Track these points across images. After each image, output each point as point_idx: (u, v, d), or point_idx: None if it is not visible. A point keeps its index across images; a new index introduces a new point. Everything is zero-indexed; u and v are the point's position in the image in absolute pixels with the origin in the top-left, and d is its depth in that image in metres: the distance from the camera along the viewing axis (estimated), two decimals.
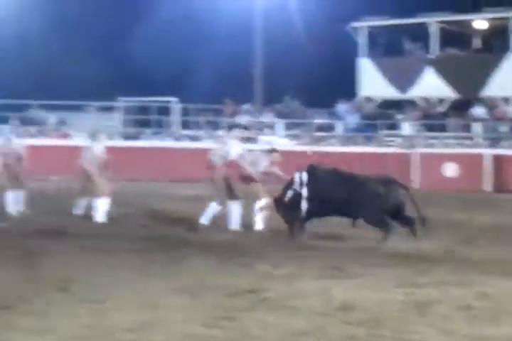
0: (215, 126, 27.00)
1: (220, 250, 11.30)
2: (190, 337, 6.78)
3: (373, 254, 11.15)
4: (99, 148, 15.31)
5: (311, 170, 12.68)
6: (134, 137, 26.13)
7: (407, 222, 12.32)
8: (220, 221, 14.35)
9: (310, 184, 12.50)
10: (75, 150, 20.05)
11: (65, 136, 25.73)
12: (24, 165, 15.46)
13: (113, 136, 25.57)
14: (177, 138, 25.89)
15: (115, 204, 15.91)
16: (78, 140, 25.03)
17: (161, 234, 12.87)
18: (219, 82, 35.51)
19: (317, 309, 7.82)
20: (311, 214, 12.50)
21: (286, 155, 14.43)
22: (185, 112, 26.69)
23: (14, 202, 14.84)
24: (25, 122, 26.48)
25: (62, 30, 39.17)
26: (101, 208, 14.27)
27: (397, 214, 12.33)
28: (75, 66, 38.29)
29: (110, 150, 20.98)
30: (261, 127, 26.60)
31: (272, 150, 13.90)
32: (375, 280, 9.32)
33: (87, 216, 14.36)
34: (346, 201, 12.29)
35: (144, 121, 27.44)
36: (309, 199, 12.45)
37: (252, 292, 8.59)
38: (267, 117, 26.90)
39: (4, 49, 37.98)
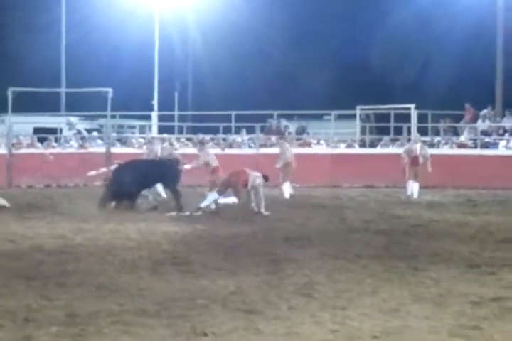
0: (454, 131, 26.52)
1: (460, 258, 11.05)
2: None
3: None
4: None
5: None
6: (372, 144, 26.16)
7: None
8: (456, 228, 14.21)
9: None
10: (315, 158, 20.50)
11: (307, 144, 26.17)
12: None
13: (352, 144, 25.78)
14: None
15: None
16: (318, 148, 25.45)
17: (398, 240, 12.78)
18: (457, 87, 34.82)
19: None
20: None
21: None
22: (423, 118, 26.32)
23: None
24: (267, 132, 27.21)
25: (298, 42, 40.01)
26: None
27: None
28: (313, 76, 39.00)
29: (348, 157, 21.31)
30: (502, 132, 25.79)
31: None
32: None
33: None
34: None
35: (382, 128, 27.44)
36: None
37: (498, 300, 8.35)
38: (509, 121, 26.05)
39: (245, 62, 39.30)
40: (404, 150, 21.08)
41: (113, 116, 26.49)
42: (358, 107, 27.53)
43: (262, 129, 27.02)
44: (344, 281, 9.42)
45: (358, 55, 38.30)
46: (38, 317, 7.63)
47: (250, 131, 26.57)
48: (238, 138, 26.54)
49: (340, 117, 28.00)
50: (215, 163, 17.85)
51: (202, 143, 18.92)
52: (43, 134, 26.36)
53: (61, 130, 28.07)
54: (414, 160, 20.70)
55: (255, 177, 16.78)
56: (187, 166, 17.81)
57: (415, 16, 37.21)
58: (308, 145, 26.10)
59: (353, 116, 27.64)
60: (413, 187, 20.54)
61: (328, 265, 10.49)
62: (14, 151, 24.41)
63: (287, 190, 20.39)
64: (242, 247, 12.04)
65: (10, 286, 9.06)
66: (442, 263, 10.64)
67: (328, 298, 8.51)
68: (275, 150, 22.40)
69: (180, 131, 29.08)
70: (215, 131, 26.94)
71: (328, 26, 39.34)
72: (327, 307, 8.10)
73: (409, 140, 25.74)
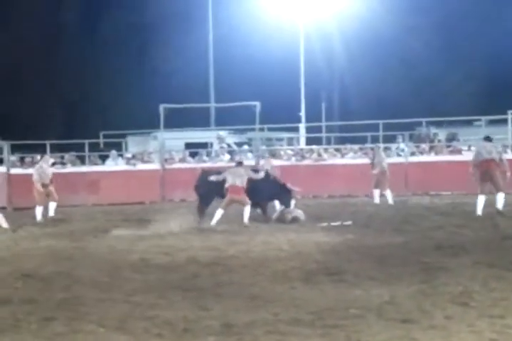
0: None
1: None
2: None
3: None
4: None
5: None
6: None
7: None
8: None
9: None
10: (466, 165, 20.05)
11: (457, 151, 25.65)
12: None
13: (504, 149, 25.07)
14: None
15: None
16: (469, 155, 24.89)
17: None
18: None
19: None
20: None
21: None
22: None
23: None
24: (416, 140, 26.86)
25: (444, 47, 39.41)
26: None
27: None
28: (461, 81, 38.30)
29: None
30: None
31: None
32: None
33: None
34: None
35: None
36: None
37: None
38: None
39: (390, 70, 39.04)
40: None
41: (261, 129, 26.80)
42: (510, 112, 26.79)
43: (411, 137, 26.69)
44: (500, 290, 9.21)
45: (508, 58, 37.37)
46: (196, 328, 7.81)
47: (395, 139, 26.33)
48: (401, 145, 26.07)
49: (492, 122, 27.31)
50: (229, 183, 17.21)
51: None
52: (194, 149, 26.93)
53: (211, 144, 28.60)
54: None
55: None
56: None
57: None
58: (459, 152, 25.57)
59: (505, 121, 26.91)
60: None
61: (482, 273, 10.26)
62: (167, 166, 25.03)
63: (390, 196, 20.54)
64: (393, 256, 11.93)
65: (167, 298, 9.31)
66: None
67: (485, 307, 8.34)
68: (425, 158, 22.10)
69: (328, 142, 29.11)
70: (363, 140, 26.81)
71: (476, 29, 38.60)
72: (484, 316, 7.94)
73: None
